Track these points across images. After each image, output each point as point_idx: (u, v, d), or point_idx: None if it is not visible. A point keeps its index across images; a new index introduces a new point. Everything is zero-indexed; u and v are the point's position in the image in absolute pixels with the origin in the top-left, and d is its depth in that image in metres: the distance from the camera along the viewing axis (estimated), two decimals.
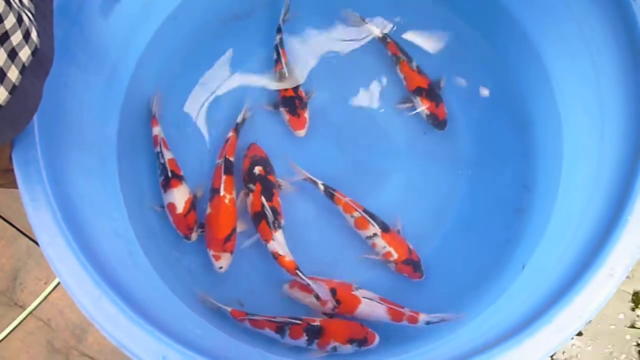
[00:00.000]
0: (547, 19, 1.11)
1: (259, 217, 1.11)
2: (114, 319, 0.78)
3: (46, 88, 0.81)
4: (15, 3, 0.70)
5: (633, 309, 1.45)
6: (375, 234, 1.12)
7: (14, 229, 1.55)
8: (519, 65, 1.22)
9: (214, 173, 1.16)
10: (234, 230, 1.13)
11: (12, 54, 0.70)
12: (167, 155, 1.16)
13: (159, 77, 1.24)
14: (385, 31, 1.29)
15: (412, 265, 1.12)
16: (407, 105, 1.26)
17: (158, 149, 1.16)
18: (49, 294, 1.49)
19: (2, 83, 0.69)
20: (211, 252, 1.11)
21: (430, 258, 1.16)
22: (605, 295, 0.79)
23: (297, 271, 1.05)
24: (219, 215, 1.12)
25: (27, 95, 0.76)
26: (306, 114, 1.23)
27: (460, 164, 1.23)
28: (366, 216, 1.13)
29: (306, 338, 1.02)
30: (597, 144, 1.00)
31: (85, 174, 0.98)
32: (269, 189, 1.13)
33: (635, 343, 1.44)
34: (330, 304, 1.06)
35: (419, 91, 1.24)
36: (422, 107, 1.22)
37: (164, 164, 1.15)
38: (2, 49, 0.68)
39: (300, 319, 1.04)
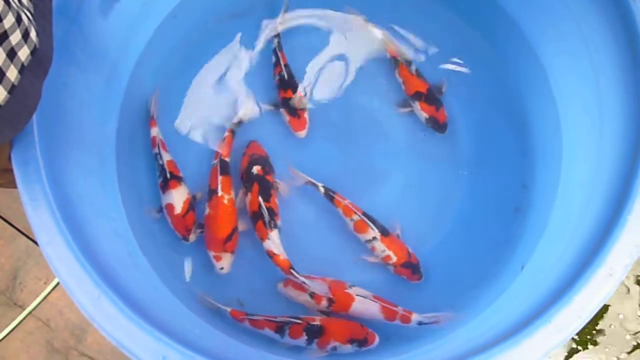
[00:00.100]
0: (546, 18, 1.11)
1: (256, 216, 1.11)
2: (113, 319, 0.78)
3: (45, 87, 0.81)
4: (14, 2, 0.70)
5: None
6: (374, 238, 1.12)
7: (13, 229, 1.55)
8: (518, 64, 1.22)
9: (211, 174, 1.16)
10: (234, 230, 1.12)
11: (11, 54, 0.70)
12: (166, 156, 1.16)
13: (158, 76, 1.24)
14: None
15: (411, 268, 1.12)
16: (407, 109, 1.25)
17: (156, 150, 1.16)
18: (49, 293, 1.49)
19: (1, 83, 0.69)
20: (212, 253, 1.11)
21: (430, 258, 1.16)
22: (604, 295, 0.79)
23: (291, 270, 1.05)
24: (217, 215, 1.12)
25: (26, 95, 0.76)
26: (306, 115, 1.23)
27: (460, 164, 1.23)
28: (365, 219, 1.13)
29: (306, 338, 1.02)
30: (596, 144, 1.00)
31: (85, 173, 0.98)
32: (266, 190, 1.13)
33: None
34: (325, 301, 1.06)
35: (417, 96, 1.23)
36: (424, 114, 1.22)
37: (162, 166, 1.14)
38: (1, 49, 0.68)
39: (300, 319, 1.04)
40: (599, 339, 1.44)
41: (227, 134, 1.20)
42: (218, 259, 1.10)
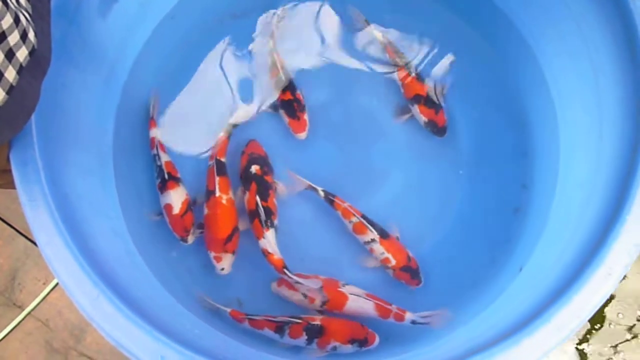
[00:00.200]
0: (546, 18, 1.11)
1: (253, 215, 1.11)
2: (112, 319, 0.78)
3: (44, 88, 0.81)
4: (13, 3, 0.70)
5: None
6: (373, 240, 1.12)
7: (12, 229, 1.55)
8: (518, 64, 1.22)
9: (208, 175, 1.16)
10: (235, 230, 1.12)
11: (10, 54, 0.70)
12: (164, 157, 1.16)
13: (156, 77, 1.24)
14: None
15: (410, 272, 1.12)
16: (406, 116, 1.25)
17: (155, 151, 1.16)
18: (48, 294, 1.49)
19: None
20: (212, 254, 1.11)
21: (429, 257, 1.15)
22: (603, 294, 0.79)
23: (285, 269, 1.05)
24: (216, 215, 1.11)
25: (24, 96, 0.76)
26: (306, 116, 1.22)
27: (459, 164, 1.23)
28: (364, 221, 1.12)
29: (306, 337, 1.02)
30: (596, 143, 1.00)
31: (83, 173, 0.98)
32: (265, 189, 1.13)
33: None
34: (319, 300, 1.06)
35: (417, 99, 1.23)
36: (423, 118, 1.22)
37: (160, 166, 1.14)
38: None
39: (300, 318, 1.04)
40: None
41: (222, 134, 1.20)
42: (219, 259, 1.10)
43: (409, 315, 1.05)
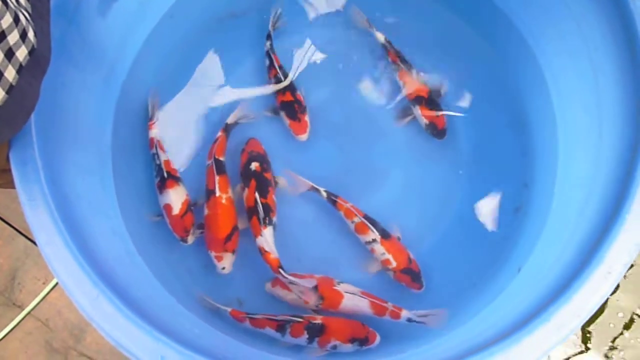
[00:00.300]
0: (546, 18, 1.11)
1: (251, 212, 1.11)
2: (111, 319, 0.78)
3: (43, 87, 0.81)
4: (12, 3, 0.70)
5: None
6: (374, 240, 1.12)
7: (11, 229, 1.55)
8: (518, 64, 1.22)
9: (207, 174, 1.16)
10: (234, 229, 1.12)
11: (9, 54, 0.70)
12: (163, 156, 1.15)
13: (155, 76, 1.24)
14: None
15: (411, 275, 1.11)
16: (407, 119, 1.25)
17: (154, 151, 1.16)
18: (47, 294, 1.49)
19: None
20: (213, 254, 1.11)
21: (429, 257, 1.15)
22: (603, 293, 0.79)
23: (280, 269, 1.05)
24: (217, 215, 1.11)
25: (24, 95, 0.76)
26: (307, 118, 1.22)
27: (459, 164, 1.23)
28: (366, 222, 1.12)
29: (307, 336, 1.02)
30: (595, 143, 1.00)
31: (83, 173, 0.98)
32: (264, 186, 1.13)
33: None
34: (314, 299, 1.06)
35: (418, 100, 1.23)
36: (424, 119, 1.22)
37: (159, 165, 1.14)
38: None
39: (301, 317, 1.04)
40: None
41: (220, 133, 1.20)
42: (219, 259, 1.10)
43: (405, 313, 1.05)
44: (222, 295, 1.11)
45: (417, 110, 1.23)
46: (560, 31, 1.09)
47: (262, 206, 1.10)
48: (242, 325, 1.05)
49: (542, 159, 1.17)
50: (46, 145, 0.87)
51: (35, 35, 0.77)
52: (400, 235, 1.16)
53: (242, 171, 1.17)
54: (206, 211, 1.13)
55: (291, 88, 1.24)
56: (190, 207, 1.13)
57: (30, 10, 0.77)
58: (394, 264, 1.11)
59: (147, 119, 1.20)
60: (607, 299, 1.37)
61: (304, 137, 1.21)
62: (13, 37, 0.70)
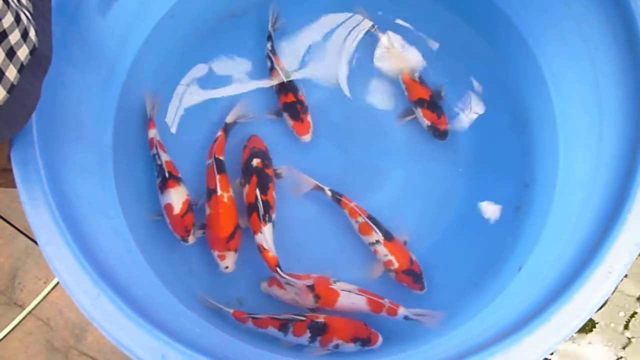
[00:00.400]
0: (546, 18, 1.11)
1: (251, 208, 1.11)
2: (112, 318, 0.78)
3: (44, 87, 0.81)
4: (13, 2, 0.70)
5: None
6: (377, 241, 1.12)
7: (12, 228, 1.55)
8: (518, 64, 1.22)
9: (207, 174, 1.16)
10: (236, 227, 1.12)
11: (10, 53, 0.70)
12: (164, 157, 1.15)
13: (156, 76, 1.24)
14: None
15: (413, 276, 1.11)
16: (409, 117, 1.25)
17: (154, 151, 1.16)
18: (48, 293, 1.49)
19: (0, 82, 0.69)
20: (215, 253, 1.11)
21: (429, 257, 1.16)
22: (603, 293, 0.79)
23: (277, 267, 1.05)
24: (218, 214, 1.11)
25: (25, 95, 0.76)
26: (309, 118, 1.22)
27: (459, 163, 1.23)
28: (370, 222, 1.12)
29: (309, 335, 1.02)
30: (596, 142, 1.00)
31: (84, 172, 0.98)
32: (265, 183, 1.13)
33: None
34: (311, 298, 1.06)
35: (420, 102, 1.23)
36: (425, 121, 1.22)
37: (160, 166, 1.14)
38: (0, 48, 0.68)
39: (304, 316, 1.04)
40: None
41: (220, 133, 1.20)
42: (222, 258, 1.10)
43: (401, 310, 1.05)
44: (223, 295, 1.11)
45: (419, 113, 1.23)
46: (560, 31, 1.09)
47: (263, 203, 1.10)
48: (244, 326, 1.05)
49: (543, 158, 1.17)
50: (47, 144, 0.87)
51: (37, 34, 0.77)
52: (408, 240, 1.16)
53: (244, 167, 1.16)
54: (208, 211, 1.13)
55: (293, 89, 1.23)
56: (191, 206, 1.13)
57: (31, 10, 0.77)
58: (396, 265, 1.11)
59: (147, 119, 1.20)
60: None
61: (307, 137, 1.21)
62: (14, 37, 0.70)
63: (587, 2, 1.00)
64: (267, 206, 1.11)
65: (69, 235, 0.81)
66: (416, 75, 1.25)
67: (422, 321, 1.03)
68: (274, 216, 1.12)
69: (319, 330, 1.02)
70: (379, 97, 1.28)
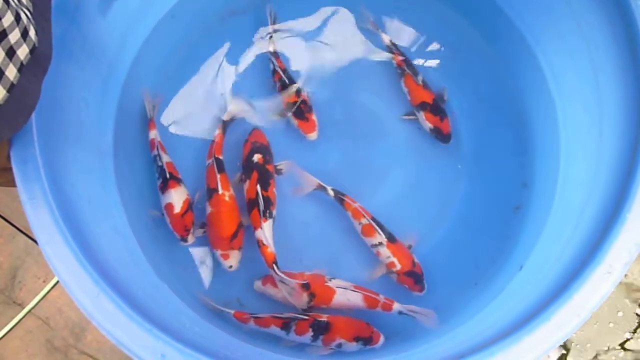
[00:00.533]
0: (547, 17, 1.11)
1: (252, 204, 1.11)
2: (112, 317, 0.78)
3: (44, 86, 0.81)
4: (14, 1, 0.70)
5: None
6: (380, 243, 1.11)
7: (12, 227, 1.55)
8: (518, 63, 1.22)
9: (208, 173, 1.16)
10: (239, 226, 1.12)
11: (10, 53, 0.70)
12: (165, 158, 1.16)
13: (156, 75, 1.24)
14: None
15: (414, 278, 1.11)
16: (410, 117, 1.25)
17: (155, 152, 1.16)
18: (48, 292, 1.49)
19: (0, 82, 0.69)
20: (219, 252, 1.11)
21: (429, 256, 1.16)
22: (603, 292, 0.79)
23: (274, 264, 1.05)
24: (221, 213, 1.11)
25: (25, 94, 0.76)
26: (314, 117, 1.22)
27: (460, 162, 1.23)
28: (373, 224, 1.12)
29: (312, 334, 1.02)
30: (596, 142, 1.00)
31: (84, 172, 0.98)
32: (266, 179, 1.13)
33: None
34: (306, 297, 1.06)
35: (423, 106, 1.22)
36: (428, 125, 1.21)
37: (161, 167, 1.14)
38: (0, 48, 0.68)
39: (307, 315, 1.04)
40: None
41: (217, 132, 1.20)
42: (226, 257, 1.10)
43: (396, 306, 1.05)
44: (222, 295, 1.11)
45: (422, 116, 1.22)
46: (560, 30, 1.09)
47: (263, 199, 1.10)
48: (246, 326, 1.05)
49: (543, 158, 1.17)
50: (47, 143, 0.87)
51: (37, 33, 0.77)
52: (414, 244, 1.15)
53: (244, 162, 1.16)
54: (209, 210, 1.13)
55: (296, 89, 1.23)
56: (190, 206, 1.13)
57: (31, 9, 0.77)
58: (398, 266, 1.11)
59: (147, 119, 1.20)
60: None
61: (313, 135, 1.21)
62: (14, 36, 0.70)
63: (587, 2, 1.00)
64: (268, 202, 1.10)
65: (68, 234, 0.81)
66: (419, 78, 1.24)
67: (416, 317, 1.04)
68: (274, 212, 1.12)
69: (321, 329, 1.02)
70: (380, 97, 1.28)
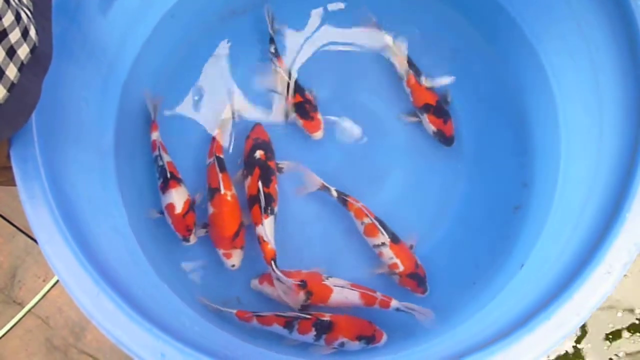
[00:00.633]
0: (547, 17, 1.11)
1: (253, 200, 1.11)
2: (112, 317, 0.78)
3: (44, 85, 0.81)
4: (14, 1, 0.70)
5: None
6: (383, 243, 1.11)
7: (12, 227, 1.55)
8: (518, 63, 1.22)
9: (209, 173, 1.16)
10: (241, 225, 1.12)
11: (11, 52, 0.70)
12: (166, 158, 1.16)
13: (156, 75, 1.24)
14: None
15: (417, 280, 1.11)
16: (414, 119, 1.24)
17: (157, 153, 1.16)
18: (48, 291, 1.49)
19: (0, 81, 0.69)
20: (221, 251, 1.11)
21: (429, 256, 1.16)
22: (603, 292, 0.80)
23: (272, 262, 1.04)
24: (223, 213, 1.11)
25: (25, 93, 0.76)
26: (319, 116, 1.22)
27: (460, 162, 1.23)
28: (377, 224, 1.12)
29: (314, 333, 1.02)
30: (596, 142, 1.00)
31: (84, 171, 0.98)
32: (267, 175, 1.13)
33: None
34: (303, 295, 1.05)
35: (426, 108, 1.21)
36: (431, 127, 1.21)
37: (162, 167, 1.14)
38: (0, 47, 0.68)
39: (309, 314, 1.04)
40: None
41: (217, 131, 1.20)
42: (228, 256, 1.10)
43: (394, 303, 1.05)
44: (222, 295, 1.11)
45: (425, 118, 1.22)
46: (560, 30, 1.09)
47: (265, 195, 1.10)
48: (249, 325, 1.05)
49: (543, 158, 1.17)
50: (47, 143, 0.87)
51: (37, 33, 0.77)
52: (415, 244, 1.15)
53: (246, 159, 1.16)
54: (211, 209, 1.13)
55: (299, 89, 1.23)
56: (192, 206, 1.13)
57: (31, 8, 0.77)
58: (401, 268, 1.10)
59: (148, 117, 1.20)
60: None
61: (318, 134, 1.21)
62: (15, 35, 0.70)
63: (587, 2, 1.00)
64: (270, 199, 1.10)
65: (68, 233, 0.81)
66: (422, 79, 1.24)
67: (414, 315, 1.04)
68: (275, 209, 1.12)
69: (324, 328, 1.02)
70: (380, 96, 1.28)
